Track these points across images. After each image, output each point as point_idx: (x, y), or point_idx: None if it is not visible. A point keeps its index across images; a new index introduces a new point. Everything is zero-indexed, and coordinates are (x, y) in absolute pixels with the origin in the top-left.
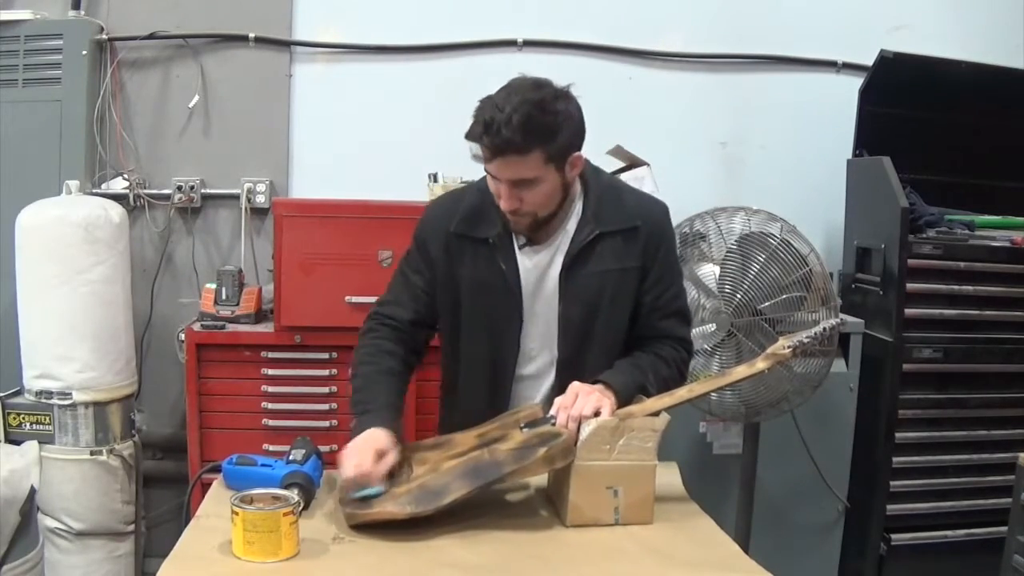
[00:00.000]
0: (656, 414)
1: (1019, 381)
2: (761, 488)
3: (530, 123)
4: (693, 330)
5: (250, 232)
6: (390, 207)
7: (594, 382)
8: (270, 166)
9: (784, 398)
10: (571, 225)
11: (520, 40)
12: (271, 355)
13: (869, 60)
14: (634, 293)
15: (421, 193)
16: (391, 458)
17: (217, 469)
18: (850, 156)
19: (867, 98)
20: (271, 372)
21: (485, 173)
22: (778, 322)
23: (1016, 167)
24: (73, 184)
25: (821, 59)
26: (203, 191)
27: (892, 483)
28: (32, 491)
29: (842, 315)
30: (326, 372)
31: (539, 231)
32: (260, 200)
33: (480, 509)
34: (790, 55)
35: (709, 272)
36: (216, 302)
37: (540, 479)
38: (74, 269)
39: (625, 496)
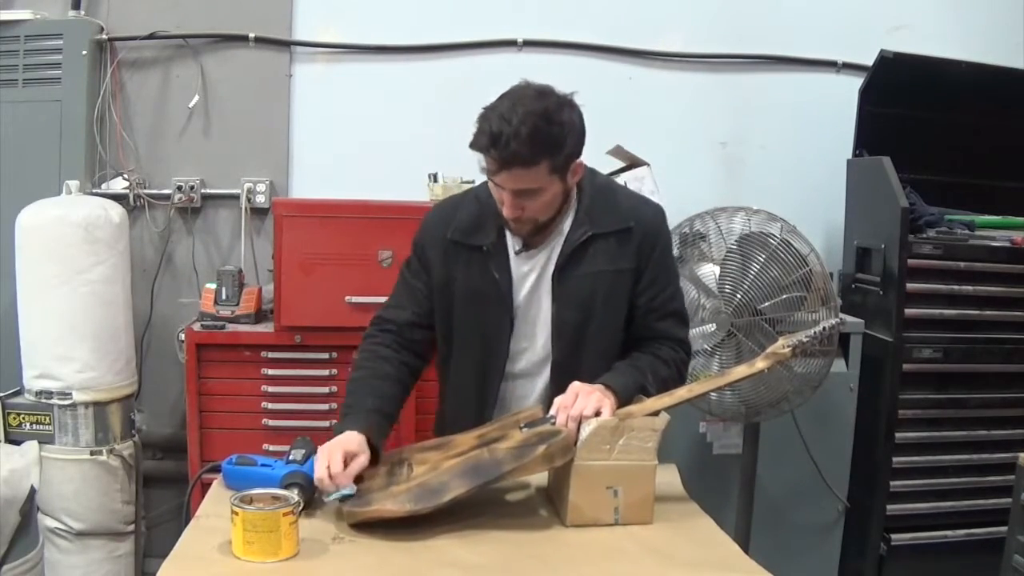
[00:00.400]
0: (656, 414)
1: (1019, 381)
2: (761, 488)
3: (537, 136)
4: (693, 330)
5: (250, 232)
6: (390, 207)
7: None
8: (270, 166)
9: (784, 398)
10: (566, 226)
11: (520, 40)
12: (271, 355)
13: (869, 60)
14: (628, 295)
15: (421, 193)
16: (361, 460)
17: (217, 469)
18: (850, 156)
19: (867, 98)
20: (271, 372)
21: (486, 179)
22: (778, 322)
23: (1016, 167)
24: (73, 184)
25: (821, 59)
26: (203, 191)
27: (892, 483)
28: (32, 491)
29: (842, 315)
30: (326, 372)
31: (537, 235)
32: (260, 200)
33: (480, 509)
34: (790, 55)
35: (709, 272)
36: (216, 302)
37: (540, 479)
38: (74, 269)
39: (625, 496)
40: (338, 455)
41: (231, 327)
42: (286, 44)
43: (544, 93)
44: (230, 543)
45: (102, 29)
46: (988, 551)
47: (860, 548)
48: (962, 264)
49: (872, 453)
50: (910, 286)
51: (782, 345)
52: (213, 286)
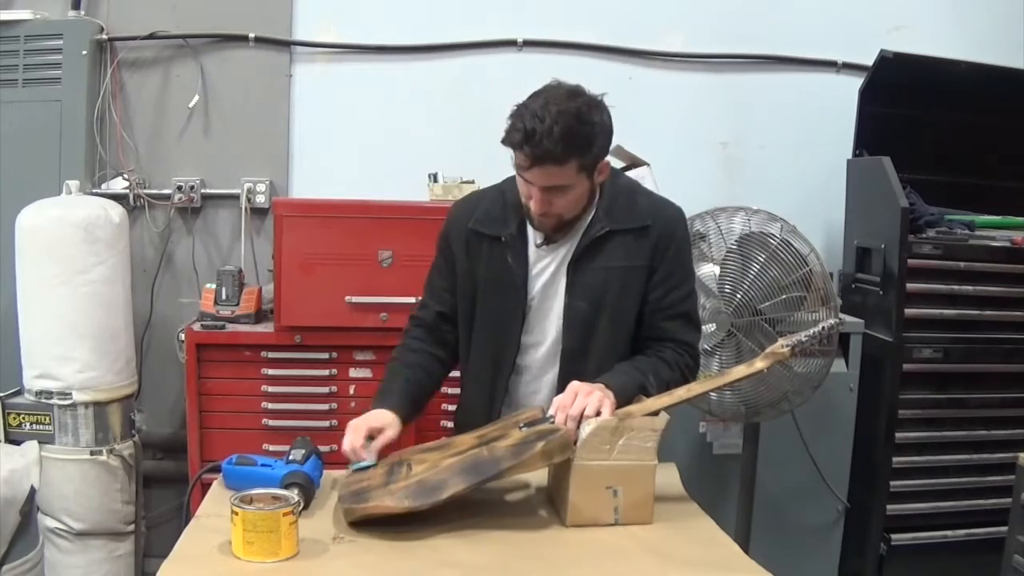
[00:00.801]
0: (656, 414)
1: (1019, 381)
2: (761, 488)
3: (570, 134)
4: None
5: (250, 232)
6: (390, 207)
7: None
8: (270, 166)
9: (784, 398)
10: (586, 222)
11: (520, 40)
12: (271, 355)
13: (869, 60)
14: (641, 291)
15: (421, 193)
16: (388, 435)
17: (217, 469)
18: (850, 156)
19: (867, 98)
20: (271, 372)
21: (515, 174)
22: (778, 322)
23: (1016, 167)
24: (73, 184)
25: (821, 59)
26: (203, 191)
27: (892, 483)
28: (32, 491)
29: (842, 315)
30: (326, 372)
31: (560, 231)
32: (260, 200)
33: (480, 509)
34: (790, 55)
35: (709, 272)
36: (216, 302)
37: (540, 478)
38: (74, 269)
39: (625, 496)
40: (363, 429)
41: (231, 327)
42: (286, 44)
43: (576, 93)
44: (230, 543)
45: (102, 29)
46: (988, 551)
47: (860, 548)
48: (962, 264)
49: (872, 453)
50: (910, 286)
51: (781, 345)
52: (213, 286)
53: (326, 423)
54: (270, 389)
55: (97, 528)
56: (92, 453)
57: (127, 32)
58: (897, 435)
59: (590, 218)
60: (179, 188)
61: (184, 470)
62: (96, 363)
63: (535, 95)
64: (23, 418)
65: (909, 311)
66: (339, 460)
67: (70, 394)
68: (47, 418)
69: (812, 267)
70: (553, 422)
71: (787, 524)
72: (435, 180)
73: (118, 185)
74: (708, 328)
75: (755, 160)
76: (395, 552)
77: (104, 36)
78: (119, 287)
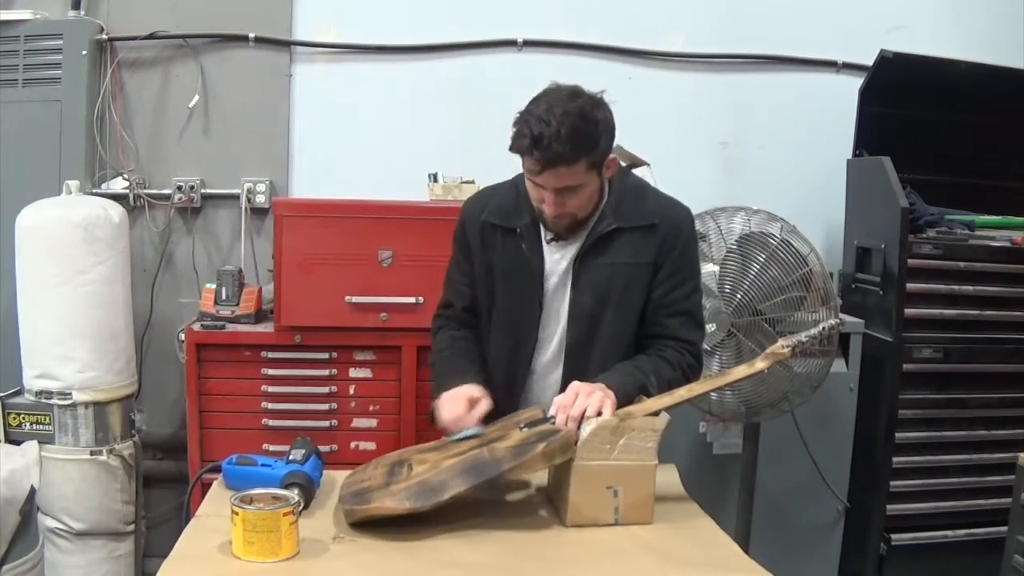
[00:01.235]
0: (656, 414)
1: (1019, 381)
2: (761, 488)
3: (576, 134)
4: None
5: (250, 232)
6: (390, 207)
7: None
8: (270, 166)
9: (784, 398)
10: (594, 219)
11: (520, 40)
12: (271, 355)
13: (869, 60)
14: (646, 288)
15: (421, 193)
16: (485, 404)
17: (217, 469)
18: (850, 156)
19: (867, 98)
20: (271, 372)
21: (527, 181)
22: (778, 322)
23: (1016, 167)
24: (73, 184)
25: (821, 59)
26: (203, 191)
27: (892, 483)
28: (32, 491)
29: (842, 315)
30: (326, 372)
31: (574, 231)
32: (260, 200)
33: (480, 509)
34: (790, 55)
35: (709, 272)
36: (216, 302)
37: (540, 479)
38: (74, 269)
39: (625, 496)
40: (462, 400)
41: (231, 327)
42: (286, 44)
43: (576, 93)
44: (230, 543)
45: (102, 29)
46: (988, 551)
47: (860, 548)
48: (962, 264)
49: (872, 453)
50: (910, 286)
51: (782, 345)
52: (213, 286)
53: (326, 423)
54: (270, 389)
55: (97, 528)
56: (92, 453)
57: (127, 32)
58: (897, 435)
59: (598, 215)
60: (179, 188)
61: (184, 470)
62: (96, 363)
63: (536, 100)
64: (23, 418)
65: (909, 311)
66: (339, 460)
67: (70, 394)
68: (47, 418)
69: (812, 267)
70: (554, 422)
71: (787, 524)
72: (435, 180)
73: (118, 185)
74: (708, 328)
75: (755, 160)
76: (396, 552)
77: (104, 36)
78: (119, 287)
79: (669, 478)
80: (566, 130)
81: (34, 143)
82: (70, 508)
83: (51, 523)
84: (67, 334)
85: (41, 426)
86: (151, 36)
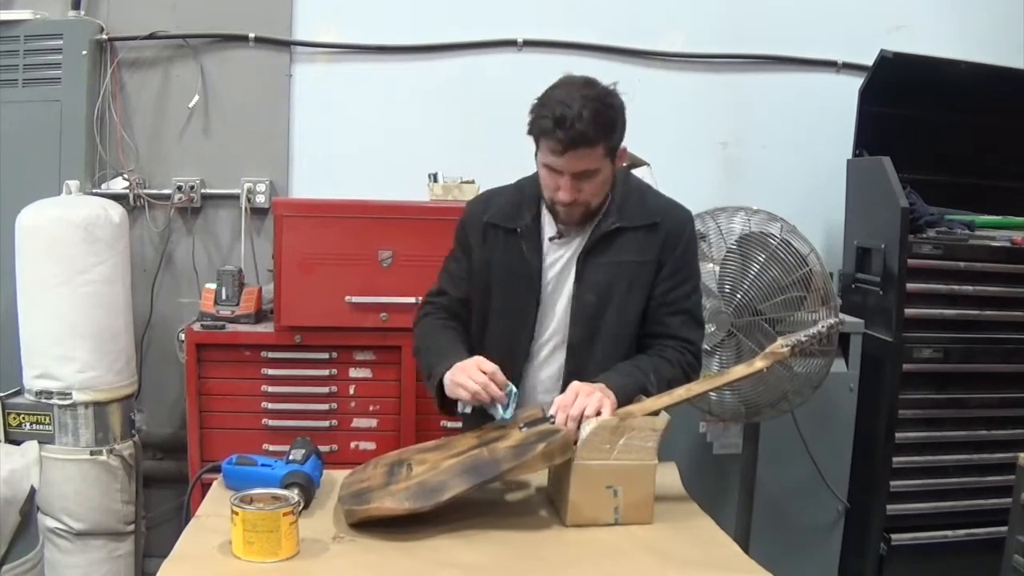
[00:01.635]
0: (656, 414)
1: (1019, 381)
2: (761, 488)
3: (598, 117)
4: None
5: (250, 232)
6: (390, 207)
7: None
8: (270, 166)
9: (784, 398)
10: (598, 217)
11: (520, 40)
12: (271, 355)
13: (869, 60)
14: (648, 286)
15: (421, 193)
16: (499, 374)
17: (217, 469)
18: (850, 156)
19: (867, 98)
20: (271, 372)
21: (536, 170)
22: (778, 322)
23: (1016, 167)
24: (73, 184)
25: (821, 59)
26: (203, 191)
27: (892, 483)
28: (32, 491)
29: (842, 315)
30: (326, 372)
31: (586, 222)
32: (260, 200)
33: (480, 509)
34: (790, 55)
35: (709, 272)
36: (216, 302)
37: (540, 479)
38: (74, 269)
39: (625, 496)
40: (473, 368)
41: (231, 327)
42: (286, 44)
43: (592, 81)
44: (230, 543)
45: (102, 29)
46: (988, 551)
47: (860, 548)
48: (962, 264)
49: (872, 453)
50: (910, 286)
51: (781, 345)
52: (213, 286)
53: (326, 423)
54: (270, 389)
55: (97, 528)
56: (92, 453)
57: (127, 32)
58: (897, 435)
59: (602, 214)
60: (179, 188)
61: (184, 470)
62: (96, 363)
63: (553, 87)
64: (23, 418)
65: (909, 311)
66: (339, 460)
67: (70, 394)
68: (47, 418)
69: (812, 267)
70: (553, 422)
71: (787, 524)
72: (435, 180)
73: (118, 185)
74: (708, 328)
75: (755, 160)
76: (395, 552)
77: (104, 36)
78: (119, 287)
79: (669, 478)
80: (588, 112)
81: (34, 143)
82: (70, 508)
83: (51, 523)
84: (67, 334)
85: (41, 426)
86: (151, 36)
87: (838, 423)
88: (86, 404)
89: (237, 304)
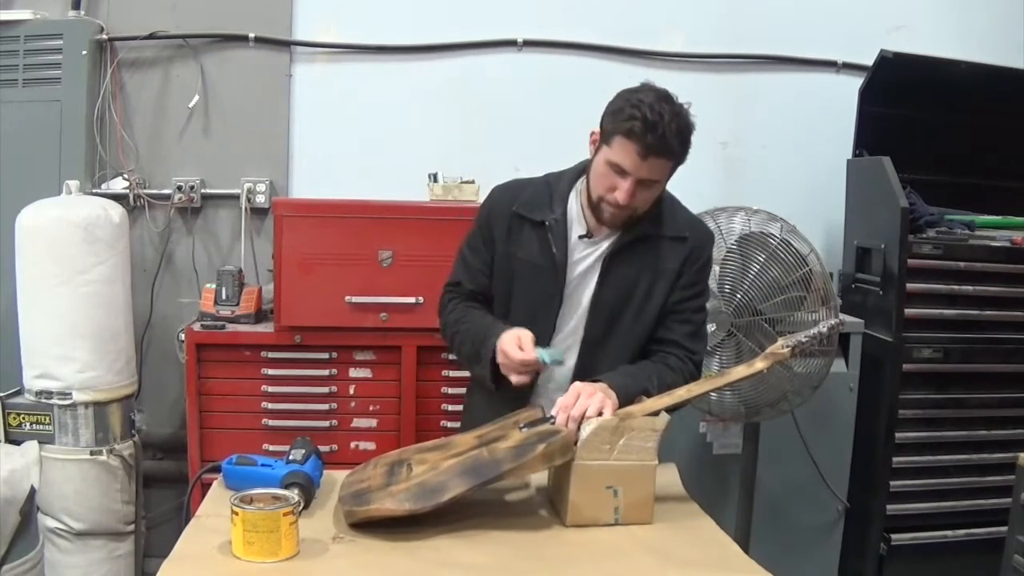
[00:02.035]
0: (656, 414)
1: (1019, 381)
2: (761, 488)
3: (682, 133)
4: None
5: (250, 232)
6: (390, 207)
7: (595, 382)
8: (270, 166)
9: (784, 398)
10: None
11: (520, 40)
12: (271, 355)
13: (869, 60)
14: (665, 294)
15: (421, 193)
16: (526, 336)
17: (217, 469)
18: (850, 156)
19: (867, 98)
20: (271, 372)
21: (602, 166)
22: (778, 322)
23: (1016, 167)
24: (73, 184)
25: (821, 59)
26: (203, 191)
27: (892, 483)
28: (32, 491)
29: (842, 315)
30: (326, 372)
31: (629, 228)
32: (260, 200)
33: (480, 509)
34: (790, 55)
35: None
36: (216, 302)
37: (540, 479)
38: (74, 269)
39: (625, 496)
40: (513, 340)
41: (231, 327)
42: (286, 44)
43: (671, 96)
44: (230, 543)
45: (102, 29)
46: (988, 551)
47: (860, 548)
48: (962, 264)
49: (872, 453)
50: (910, 286)
51: (781, 345)
52: (213, 286)
53: (326, 423)
54: (270, 389)
55: (97, 528)
56: (92, 453)
57: (127, 32)
58: (897, 435)
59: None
60: (179, 188)
61: (184, 470)
62: (96, 363)
63: (636, 91)
64: (23, 418)
65: (909, 311)
66: (339, 460)
67: (70, 394)
68: (47, 418)
69: (812, 267)
70: (554, 422)
71: (787, 524)
72: (435, 180)
73: (118, 185)
74: (708, 328)
75: (755, 160)
76: (395, 552)
77: (104, 36)
78: (119, 287)
79: (669, 478)
80: (676, 126)
81: (34, 143)
82: (70, 508)
83: (51, 523)
84: (67, 334)
85: (41, 426)
86: (151, 36)
87: (838, 423)
88: (86, 404)
89: (237, 304)
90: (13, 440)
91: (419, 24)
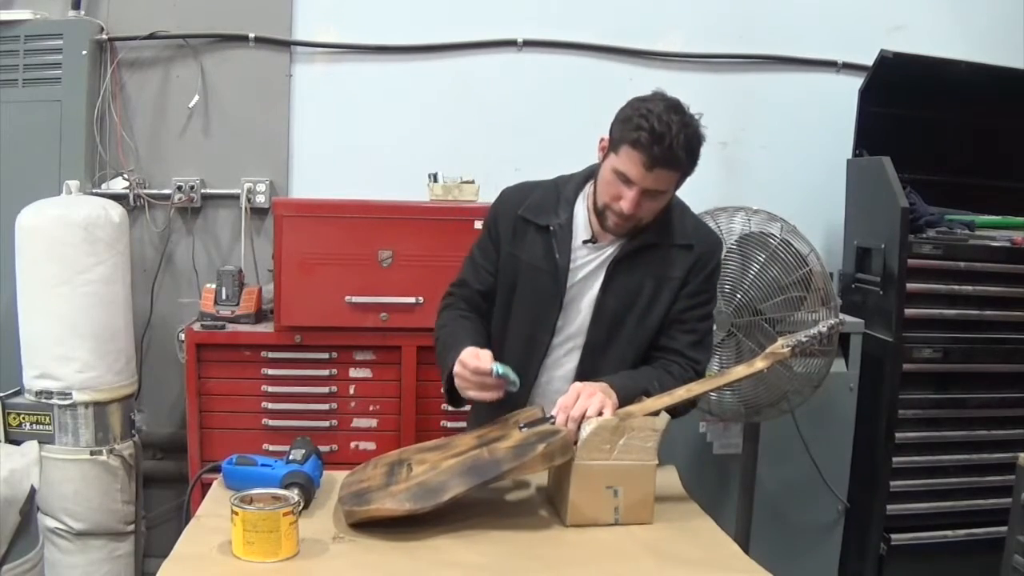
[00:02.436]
0: (656, 414)
1: (1019, 381)
2: (761, 488)
3: (690, 145)
4: None
5: (250, 232)
6: (390, 207)
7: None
8: (270, 166)
9: (784, 398)
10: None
11: (520, 40)
12: (271, 355)
13: (869, 60)
14: (670, 301)
15: (421, 193)
16: (485, 352)
17: (217, 469)
18: (850, 156)
19: (867, 98)
20: (271, 372)
21: (609, 174)
22: (778, 322)
23: (1016, 167)
24: (73, 184)
25: (821, 59)
26: (203, 191)
27: (892, 483)
28: (32, 491)
29: (842, 315)
30: (326, 372)
31: (634, 238)
32: (260, 200)
33: (480, 509)
34: (790, 55)
35: None
36: (216, 302)
37: (540, 479)
38: (74, 269)
39: (625, 496)
40: (472, 354)
41: (231, 327)
42: (286, 44)
43: (681, 106)
44: (230, 543)
45: (102, 29)
46: (988, 551)
47: (860, 548)
48: (962, 264)
49: (872, 453)
50: (910, 286)
51: (781, 345)
52: (213, 286)
53: (326, 423)
54: (270, 389)
55: (97, 528)
56: (92, 453)
57: (127, 32)
58: (897, 435)
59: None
60: (179, 188)
61: (184, 470)
62: (96, 363)
63: (645, 100)
64: (23, 418)
65: (909, 311)
66: (339, 460)
67: (70, 394)
68: (47, 418)
69: (812, 267)
70: (554, 422)
71: (787, 524)
72: (435, 180)
73: (118, 185)
74: None
75: (755, 160)
76: (395, 552)
77: (104, 36)
78: (119, 287)
79: (669, 478)
80: (684, 138)
81: (34, 143)
82: (70, 508)
83: (51, 523)
84: (67, 334)
85: (41, 426)
86: (151, 36)
87: (838, 423)
88: (86, 404)
89: (237, 304)
90: (13, 440)
91: (419, 24)
